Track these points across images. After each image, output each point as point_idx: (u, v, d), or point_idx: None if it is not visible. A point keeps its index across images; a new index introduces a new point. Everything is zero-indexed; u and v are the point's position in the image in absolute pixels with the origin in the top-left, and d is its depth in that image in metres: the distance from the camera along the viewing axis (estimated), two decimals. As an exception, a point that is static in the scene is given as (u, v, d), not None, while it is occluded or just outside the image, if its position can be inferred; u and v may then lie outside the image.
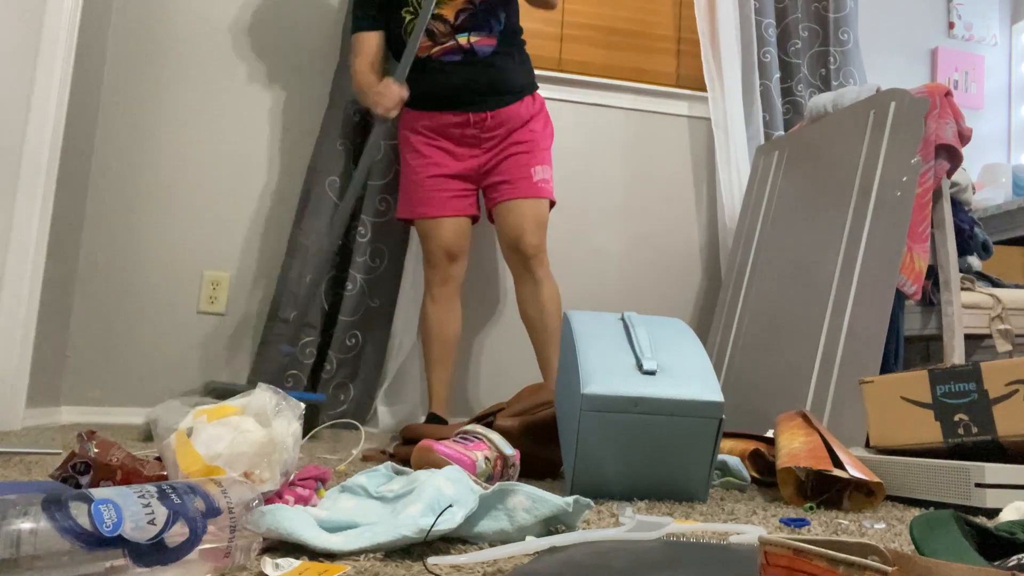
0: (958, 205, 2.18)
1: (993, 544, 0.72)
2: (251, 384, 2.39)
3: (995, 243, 2.60)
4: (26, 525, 0.54)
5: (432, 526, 0.76)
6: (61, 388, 2.37)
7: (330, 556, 0.74)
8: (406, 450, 1.57)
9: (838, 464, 1.27)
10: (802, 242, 2.26)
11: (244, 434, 0.85)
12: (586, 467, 1.25)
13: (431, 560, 0.69)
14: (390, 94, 2.15)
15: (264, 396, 0.91)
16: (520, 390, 2.46)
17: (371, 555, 0.75)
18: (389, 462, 1.02)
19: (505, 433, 1.49)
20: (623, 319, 1.45)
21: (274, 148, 2.59)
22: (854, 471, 1.24)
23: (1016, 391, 1.33)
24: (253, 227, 2.56)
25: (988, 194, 2.83)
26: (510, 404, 1.64)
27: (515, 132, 2.25)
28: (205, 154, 2.54)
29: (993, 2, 3.25)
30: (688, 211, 2.89)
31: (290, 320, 2.38)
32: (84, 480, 0.90)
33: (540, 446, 1.50)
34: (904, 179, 1.94)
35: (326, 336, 2.45)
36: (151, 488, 0.63)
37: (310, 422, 2.06)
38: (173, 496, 0.63)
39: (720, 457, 1.49)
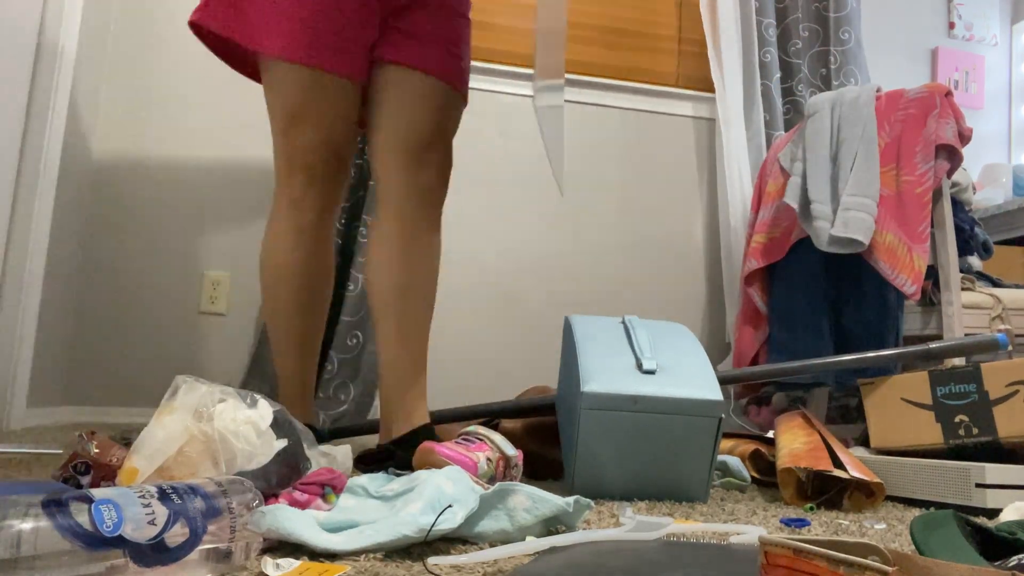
0: (958, 205, 2.18)
1: (993, 544, 0.72)
2: (245, 386, 2.39)
3: (995, 243, 2.60)
4: (26, 525, 0.54)
5: (433, 525, 0.76)
6: (61, 388, 2.37)
7: (330, 556, 0.74)
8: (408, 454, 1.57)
9: (838, 464, 1.27)
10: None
11: (170, 435, 0.82)
12: (586, 467, 1.25)
13: (431, 560, 0.69)
14: None
15: (200, 391, 0.87)
16: (523, 391, 2.46)
17: (371, 555, 0.75)
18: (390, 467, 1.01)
19: (508, 434, 1.49)
20: (623, 322, 1.45)
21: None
22: (854, 471, 1.24)
23: (1016, 392, 1.33)
24: (253, 227, 2.56)
25: (988, 194, 2.83)
26: (510, 404, 1.64)
27: None
28: (205, 153, 2.54)
29: (993, 2, 3.25)
30: (688, 211, 2.89)
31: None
32: (85, 480, 0.90)
33: (543, 447, 1.50)
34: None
35: (328, 336, 2.45)
36: (151, 488, 0.63)
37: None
38: (173, 496, 0.63)
39: (720, 457, 1.49)
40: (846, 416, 2.36)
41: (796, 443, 1.36)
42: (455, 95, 1.49)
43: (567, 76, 2.80)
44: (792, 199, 2.19)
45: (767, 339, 2.33)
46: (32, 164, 2.00)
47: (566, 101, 2.82)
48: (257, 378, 2.37)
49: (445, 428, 1.75)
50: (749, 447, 1.57)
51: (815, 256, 2.20)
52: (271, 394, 2.34)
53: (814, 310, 2.19)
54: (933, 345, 1.55)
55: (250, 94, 2.58)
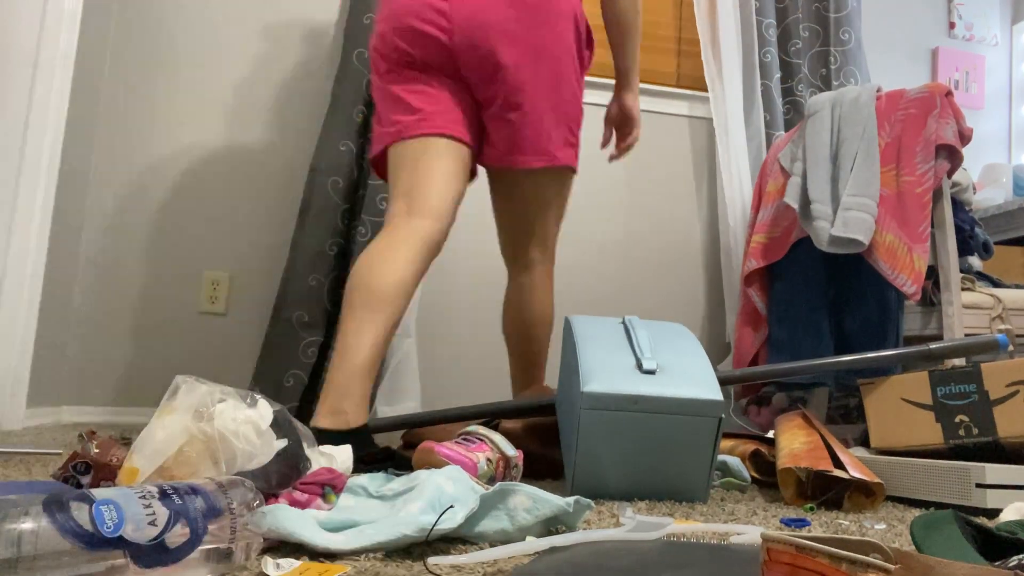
0: (958, 205, 2.18)
1: (994, 544, 0.72)
2: (252, 387, 2.39)
3: (995, 243, 2.59)
4: (27, 525, 0.54)
5: (434, 525, 0.76)
6: (61, 388, 2.37)
7: (331, 556, 0.74)
8: (407, 454, 1.57)
9: (838, 464, 1.27)
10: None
11: (170, 435, 0.82)
12: (586, 467, 1.25)
13: (431, 560, 0.69)
14: None
15: (200, 390, 0.87)
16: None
17: (371, 555, 0.75)
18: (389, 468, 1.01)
19: (509, 434, 1.49)
20: (624, 323, 1.45)
21: (275, 147, 2.59)
22: (854, 471, 1.24)
23: (1016, 392, 1.33)
24: (253, 227, 2.56)
25: (989, 194, 2.83)
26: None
27: None
28: (205, 153, 2.54)
29: (994, 2, 3.25)
30: (688, 211, 2.89)
31: (293, 320, 2.39)
32: (85, 480, 0.90)
33: (544, 447, 1.50)
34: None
35: (328, 335, 2.45)
36: (152, 488, 0.63)
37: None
38: (174, 497, 0.63)
39: (720, 457, 1.49)
40: (846, 416, 2.36)
41: (796, 443, 1.36)
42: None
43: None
44: (792, 199, 2.19)
45: (767, 339, 2.33)
46: (32, 164, 2.00)
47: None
48: (263, 379, 2.37)
49: (445, 428, 1.75)
50: (749, 447, 1.57)
51: (815, 256, 2.20)
52: (275, 395, 2.34)
53: (814, 310, 2.19)
54: (934, 346, 1.55)
55: (250, 94, 2.58)
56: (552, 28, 1.61)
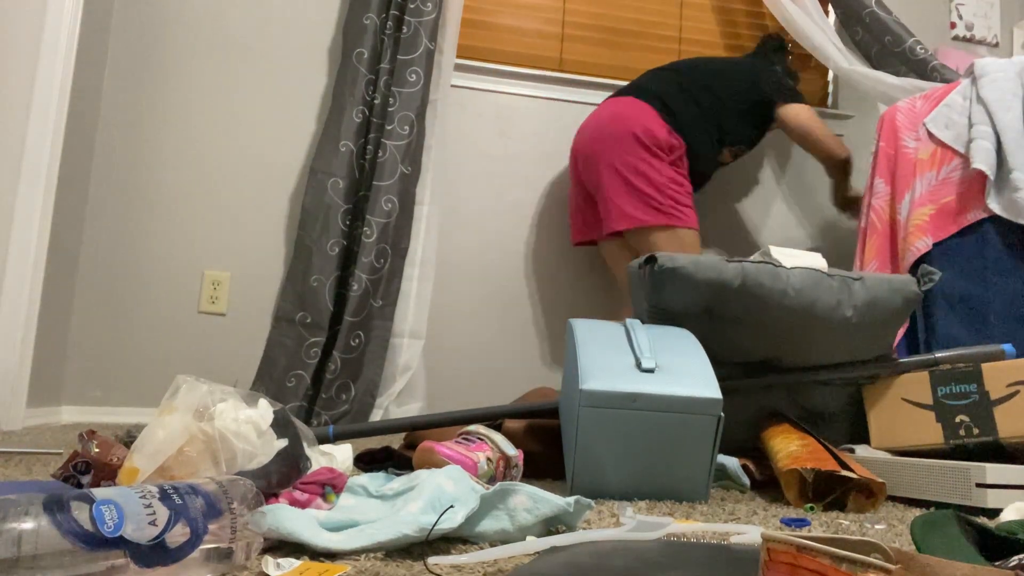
0: None
1: (994, 544, 0.72)
2: (255, 387, 2.40)
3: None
4: (27, 525, 0.54)
5: (434, 525, 0.76)
6: (61, 388, 2.37)
7: (331, 555, 0.74)
8: (408, 454, 1.57)
9: (842, 466, 1.27)
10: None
11: (171, 435, 0.82)
12: (586, 466, 1.25)
13: (432, 560, 0.69)
14: None
15: (200, 390, 0.87)
16: (526, 393, 2.45)
17: (372, 555, 0.75)
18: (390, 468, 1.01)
19: (510, 434, 1.49)
20: (625, 325, 1.45)
21: (275, 147, 2.59)
22: (860, 472, 1.24)
23: (1017, 392, 1.33)
24: (253, 227, 2.56)
25: (988, 194, 2.82)
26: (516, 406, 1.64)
27: None
28: (205, 153, 2.54)
29: (994, 2, 3.25)
30: (688, 211, 2.88)
31: (295, 321, 2.39)
32: (85, 480, 0.90)
33: (545, 447, 1.50)
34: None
35: (330, 336, 2.45)
36: (152, 488, 0.63)
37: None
38: (175, 496, 0.63)
39: (720, 459, 1.49)
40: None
41: (792, 446, 1.36)
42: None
43: (568, 76, 2.80)
44: (984, 164, 1.95)
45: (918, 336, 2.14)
46: (32, 164, 2.00)
47: (566, 101, 2.82)
48: (265, 379, 2.37)
49: (444, 430, 1.75)
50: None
51: (1003, 239, 2.02)
52: (278, 396, 2.34)
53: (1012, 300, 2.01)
54: (939, 354, 1.55)
55: (251, 94, 2.58)
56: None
